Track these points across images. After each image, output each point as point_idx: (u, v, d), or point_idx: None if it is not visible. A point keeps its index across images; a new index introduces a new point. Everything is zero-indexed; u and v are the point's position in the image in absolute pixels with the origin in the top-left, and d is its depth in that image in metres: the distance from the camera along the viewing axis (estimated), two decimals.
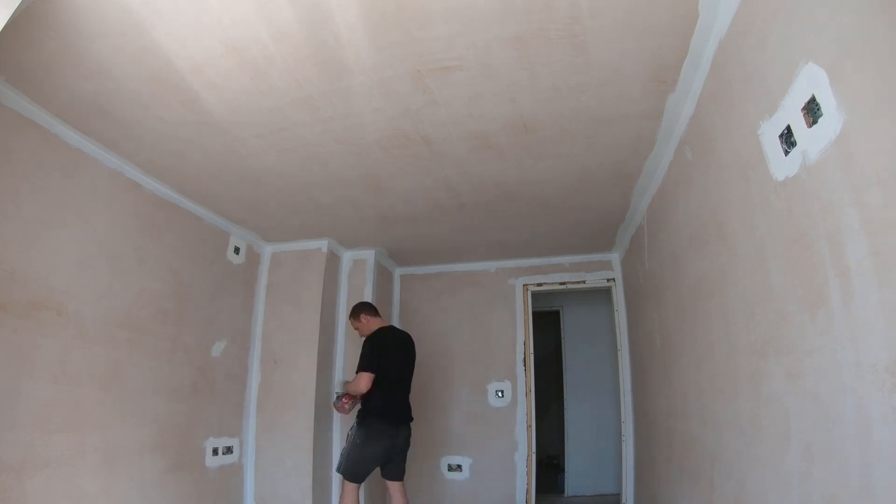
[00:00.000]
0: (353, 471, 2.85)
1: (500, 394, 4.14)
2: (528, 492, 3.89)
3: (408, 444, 3.02)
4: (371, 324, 3.14)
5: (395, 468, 2.96)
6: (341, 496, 2.87)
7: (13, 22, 1.45)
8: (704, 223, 1.98)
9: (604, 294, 4.51)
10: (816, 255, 1.15)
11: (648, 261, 3.06)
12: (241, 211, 3.28)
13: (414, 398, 4.45)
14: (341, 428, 3.71)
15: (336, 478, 3.64)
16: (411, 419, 3.06)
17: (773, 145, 1.33)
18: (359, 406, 3.01)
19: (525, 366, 4.14)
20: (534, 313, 4.34)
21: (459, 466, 4.09)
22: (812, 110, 1.12)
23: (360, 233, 3.72)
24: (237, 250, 3.58)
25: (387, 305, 4.40)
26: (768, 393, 1.44)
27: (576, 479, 4.93)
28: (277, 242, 3.87)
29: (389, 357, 2.97)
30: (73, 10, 1.61)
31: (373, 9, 1.63)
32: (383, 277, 4.30)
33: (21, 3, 1.34)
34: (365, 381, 2.82)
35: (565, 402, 5.10)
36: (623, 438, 3.86)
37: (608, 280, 4.18)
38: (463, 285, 4.48)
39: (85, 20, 1.65)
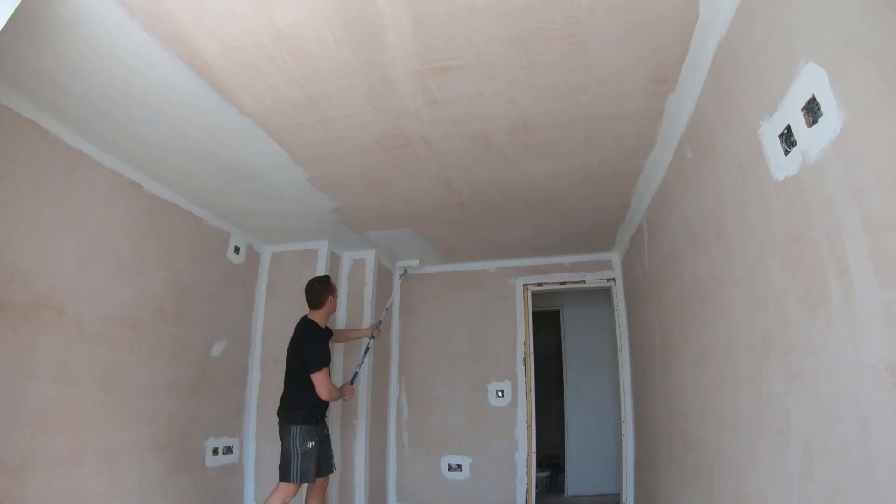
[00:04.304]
0: None
1: (500, 393, 4.14)
2: (528, 491, 3.90)
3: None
4: None
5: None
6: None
7: (13, 22, 1.45)
8: (704, 223, 1.98)
9: (604, 294, 4.51)
10: (816, 255, 1.15)
11: (648, 260, 3.06)
12: (242, 211, 3.28)
13: (414, 398, 4.42)
14: (341, 428, 3.71)
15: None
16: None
17: (773, 145, 1.32)
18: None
19: (525, 366, 4.14)
20: (534, 313, 4.34)
21: (459, 466, 4.08)
22: (812, 110, 1.12)
23: (361, 233, 3.72)
24: (237, 250, 3.58)
25: None
26: (768, 393, 1.44)
27: (576, 478, 4.93)
28: (277, 242, 3.87)
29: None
30: (73, 9, 1.61)
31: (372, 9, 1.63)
32: (383, 277, 4.30)
33: (21, 2, 1.34)
34: None
35: (565, 402, 5.10)
36: (623, 438, 3.86)
37: (608, 280, 4.18)
38: (463, 285, 4.47)
39: (85, 20, 1.65)
